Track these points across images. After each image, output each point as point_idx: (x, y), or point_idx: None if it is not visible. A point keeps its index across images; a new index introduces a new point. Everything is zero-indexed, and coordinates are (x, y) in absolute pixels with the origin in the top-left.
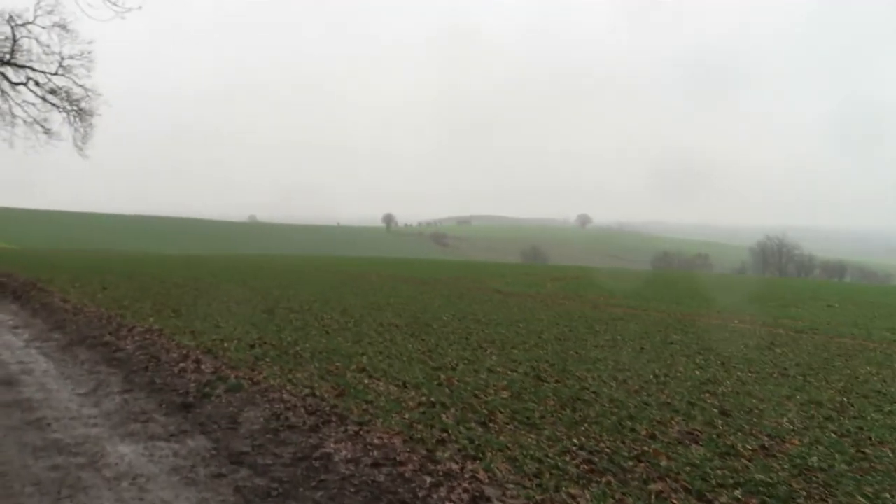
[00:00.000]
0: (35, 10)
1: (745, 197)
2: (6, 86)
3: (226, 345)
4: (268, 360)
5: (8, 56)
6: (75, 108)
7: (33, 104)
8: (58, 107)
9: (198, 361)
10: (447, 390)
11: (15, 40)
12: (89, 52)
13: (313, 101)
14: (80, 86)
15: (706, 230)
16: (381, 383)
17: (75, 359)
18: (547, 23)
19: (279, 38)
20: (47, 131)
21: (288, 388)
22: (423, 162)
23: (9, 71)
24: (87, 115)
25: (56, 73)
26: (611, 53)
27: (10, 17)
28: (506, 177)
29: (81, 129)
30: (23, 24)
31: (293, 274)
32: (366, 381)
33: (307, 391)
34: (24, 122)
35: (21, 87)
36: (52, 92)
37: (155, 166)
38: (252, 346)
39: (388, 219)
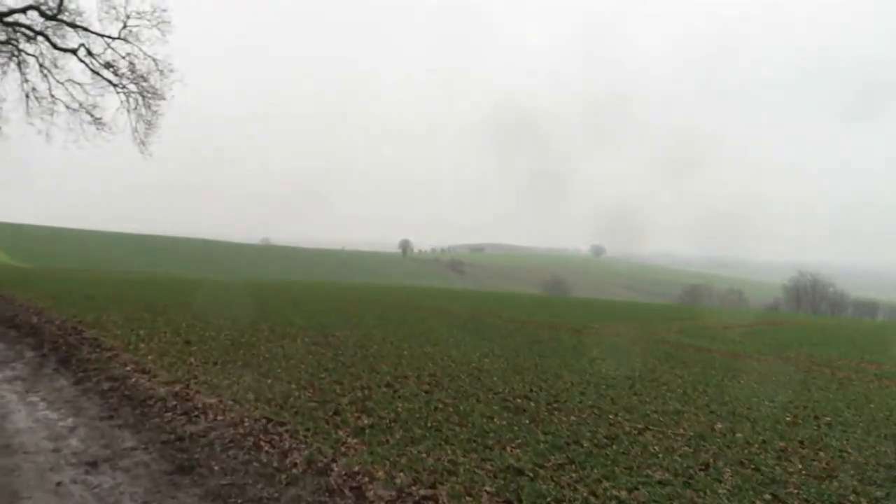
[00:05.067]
0: None
1: (765, 232)
2: (48, 56)
3: None
4: None
5: (54, 10)
6: (140, 87)
7: (80, 84)
8: (115, 85)
9: None
10: None
11: None
12: (164, 11)
13: (334, 124)
14: (149, 56)
15: (721, 265)
16: None
17: None
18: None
19: (302, 61)
20: (97, 121)
21: None
22: (431, 188)
23: (53, 33)
24: (156, 97)
25: (118, 37)
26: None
27: None
28: (515, 205)
29: (146, 117)
30: None
31: (359, 308)
32: None
33: None
34: (68, 107)
35: (66, 61)
36: (108, 66)
37: (158, 184)
38: None
39: (405, 244)
